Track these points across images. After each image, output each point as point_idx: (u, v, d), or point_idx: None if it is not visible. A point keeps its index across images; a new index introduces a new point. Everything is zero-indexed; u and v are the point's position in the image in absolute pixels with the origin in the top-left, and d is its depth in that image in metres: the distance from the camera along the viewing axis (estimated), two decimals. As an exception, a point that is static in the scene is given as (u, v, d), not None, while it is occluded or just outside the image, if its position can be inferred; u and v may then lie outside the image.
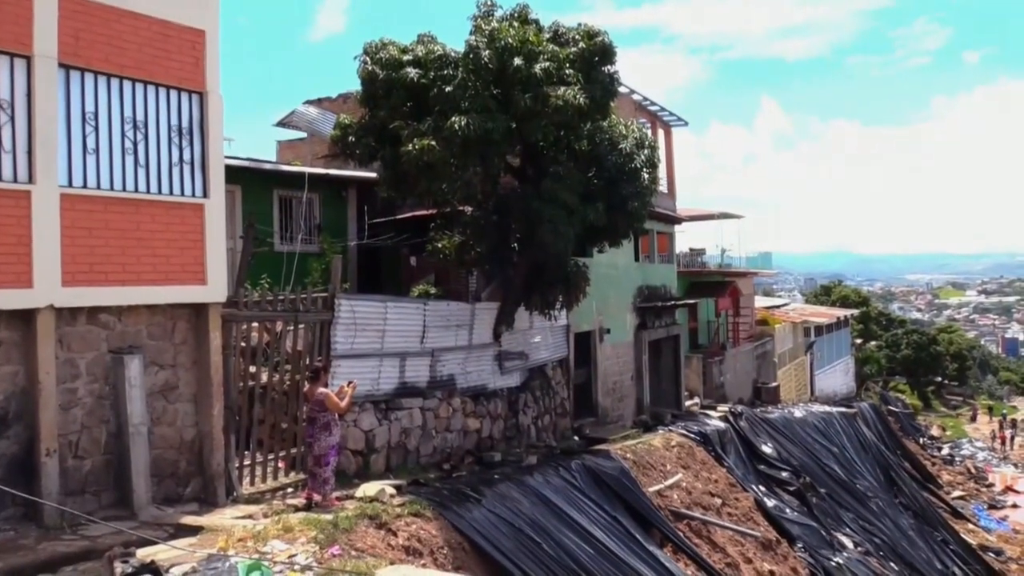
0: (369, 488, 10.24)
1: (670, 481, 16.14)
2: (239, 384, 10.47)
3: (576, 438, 17.45)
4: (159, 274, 9.31)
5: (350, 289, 14.63)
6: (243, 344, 10.69)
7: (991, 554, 26.42)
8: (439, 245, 14.97)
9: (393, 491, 10.33)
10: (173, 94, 9.57)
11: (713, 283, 30.85)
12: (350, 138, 13.80)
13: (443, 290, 15.62)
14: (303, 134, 20.33)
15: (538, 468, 13.25)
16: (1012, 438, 50.29)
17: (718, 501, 17.00)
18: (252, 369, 10.89)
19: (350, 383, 10.24)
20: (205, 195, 9.83)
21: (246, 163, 14.63)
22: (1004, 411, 59.70)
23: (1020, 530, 31.48)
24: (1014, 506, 35.58)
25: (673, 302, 24.61)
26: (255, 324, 11.04)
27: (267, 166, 15.80)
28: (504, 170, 14.14)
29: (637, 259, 22.96)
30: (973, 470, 40.69)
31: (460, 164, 12.60)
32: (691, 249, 33.46)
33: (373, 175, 15.20)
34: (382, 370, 12.73)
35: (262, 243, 13.73)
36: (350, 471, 11.76)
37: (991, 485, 38.87)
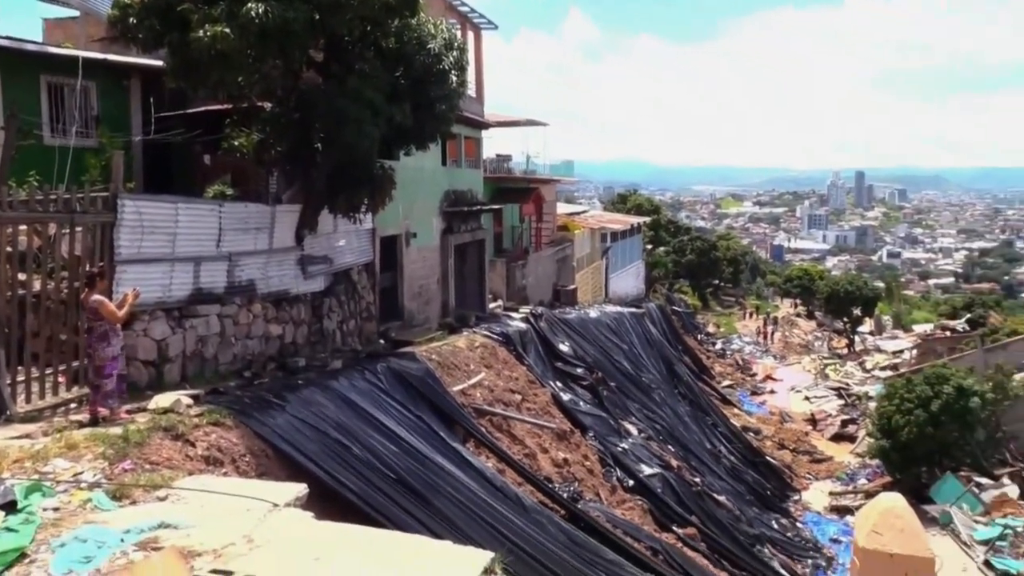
0: (163, 399, 9.77)
1: (473, 380, 16.76)
2: (7, 293, 9.47)
3: (382, 341, 17.56)
4: (-103, 167, 8.07)
5: (135, 188, 13.49)
6: (9, 249, 9.61)
7: (751, 433, 30.09)
8: (235, 143, 14.08)
9: (190, 401, 9.94)
10: (-98, -47, 8.09)
11: (518, 189, 31.54)
12: (131, 20, 12.36)
13: (241, 191, 14.78)
14: (75, 12, 18.01)
15: (343, 372, 13.24)
16: (773, 333, 56.79)
17: (518, 397, 17.94)
18: (22, 276, 9.86)
19: (133, 290, 9.60)
20: (-48, 77, 8.54)
21: (5, 43, 12.81)
22: (768, 310, 67.01)
23: (775, 412, 36.01)
24: (771, 392, 40.58)
25: (479, 207, 24.95)
26: (23, 226, 9.94)
27: (31, 47, 13.90)
28: (306, 65, 13.40)
29: (444, 163, 22.91)
30: (740, 362, 45.73)
31: (257, 55, 11.77)
32: (498, 155, 33.85)
33: (159, 63, 13.85)
34: (174, 276, 11.98)
35: (28, 135, 12.24)
36: (142, 383, 11.13)
37: (754, 375, 44.00)
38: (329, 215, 15.05)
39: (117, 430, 8.37)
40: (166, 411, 9.42)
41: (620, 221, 46.82)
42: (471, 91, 23.58)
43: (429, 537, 6.90)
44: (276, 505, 5.97)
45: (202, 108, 15.33)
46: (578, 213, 44.98)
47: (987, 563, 18.73)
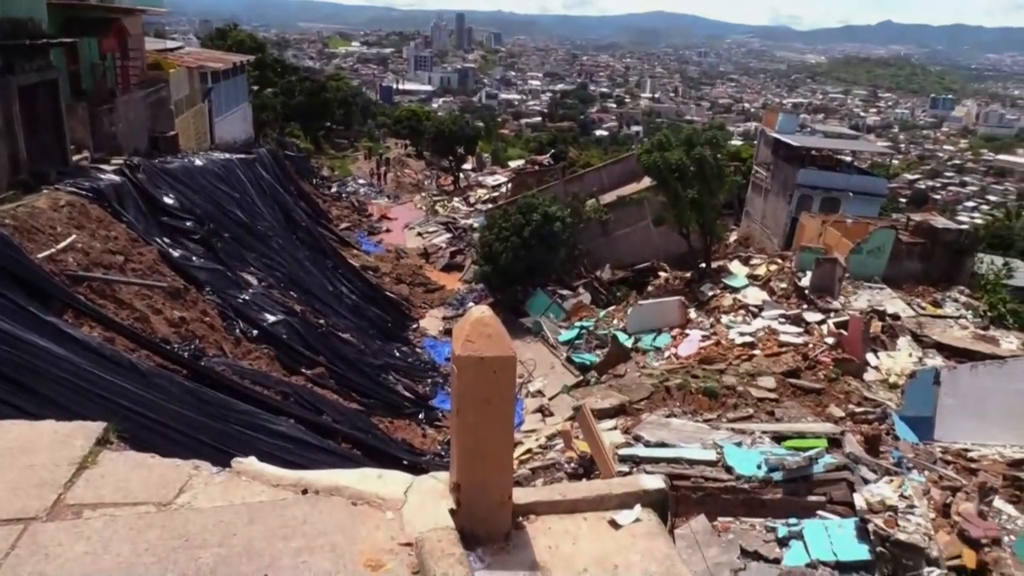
0: None
1: (63, 244, 14.88)
2: None
3: (-67, 207, 14.60)
4: None
5: None
6: None
7: (370, 272, 31.42)
8: None
9: None
10: None
11: (94, 20, 27.24)
12: None
13: None
14: None
15: None
16: (385, 174, 58.51)
17: (120, 258, 16.40)
18: None
19: None
20: None
21: None
22: (380, 151, 68.42)
23: (391, 249, 37.91)
24: (387, 231, 42.45)
25: (45, 40, 21.17)
26: None
27: None
28: None
29: (-10, -15, 18.81)
30: (356, 204, 46.72)
31: None
32: (62, -23, 28.61)
33: None
34: None
35: None
36: None
37: (370, 215, 45.42)
38: None
39: None
40: None
41: (221, 60, 43.19)
42: None
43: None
44: None
45: None
46: (172, 50, 40.47)
47: (569, 359, 22.42)
